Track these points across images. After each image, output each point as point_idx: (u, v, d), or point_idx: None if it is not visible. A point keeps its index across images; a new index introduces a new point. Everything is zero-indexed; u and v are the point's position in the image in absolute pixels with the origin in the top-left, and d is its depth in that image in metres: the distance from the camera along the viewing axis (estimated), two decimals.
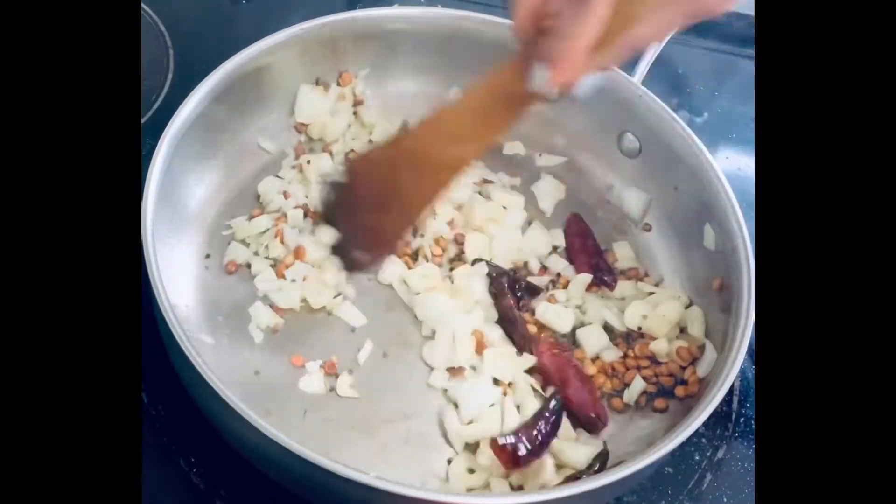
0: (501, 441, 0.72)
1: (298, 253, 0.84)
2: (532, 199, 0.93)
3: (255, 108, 0.90)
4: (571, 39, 0.58)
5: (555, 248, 0.90)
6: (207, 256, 0.85)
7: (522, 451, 0.72)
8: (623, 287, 0.87)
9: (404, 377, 0.81)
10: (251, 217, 0.87)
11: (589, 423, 0.78)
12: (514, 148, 0.96)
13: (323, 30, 0.89)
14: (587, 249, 0.89)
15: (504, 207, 0.91)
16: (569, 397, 0.78)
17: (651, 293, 0.86)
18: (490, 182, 0.93)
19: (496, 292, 0.84)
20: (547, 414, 0.75)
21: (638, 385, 0.81)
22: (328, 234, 0.81)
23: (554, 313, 0.84)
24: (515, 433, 0.73)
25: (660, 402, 0.80)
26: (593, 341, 0.83)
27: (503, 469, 0.73)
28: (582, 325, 0.85)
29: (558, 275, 0.88)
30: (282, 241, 0.85)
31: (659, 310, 0.84)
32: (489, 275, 0.85)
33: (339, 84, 0.94)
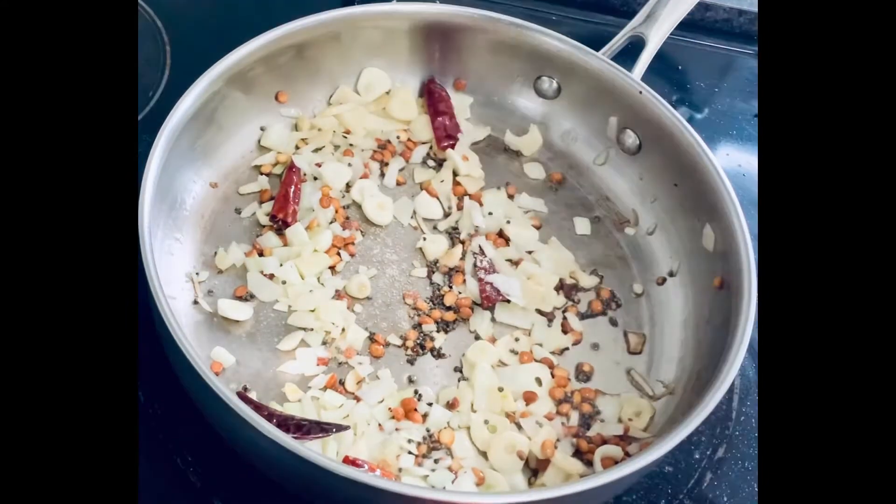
0: None
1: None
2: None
3: (253, 104, 0.90)
4: None
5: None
6: (204, 253, 0.84)
7: None
8: None
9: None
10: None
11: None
12: (516, 144, 0.96)
13: (321, 26, 0.89)
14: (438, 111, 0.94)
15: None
16: None
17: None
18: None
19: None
20: None
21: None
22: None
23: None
24: None
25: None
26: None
27: None
28: None
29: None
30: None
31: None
32: None
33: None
